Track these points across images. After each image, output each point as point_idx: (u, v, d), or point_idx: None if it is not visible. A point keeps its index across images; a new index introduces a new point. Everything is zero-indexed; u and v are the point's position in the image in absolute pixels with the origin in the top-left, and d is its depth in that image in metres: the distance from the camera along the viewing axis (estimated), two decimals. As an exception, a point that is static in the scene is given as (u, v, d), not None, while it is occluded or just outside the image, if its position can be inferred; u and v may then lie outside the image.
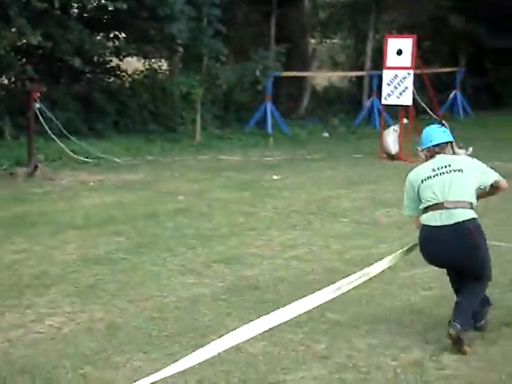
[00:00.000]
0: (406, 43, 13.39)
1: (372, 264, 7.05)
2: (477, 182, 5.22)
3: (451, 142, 5.50)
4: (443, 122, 14.58)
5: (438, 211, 5.09)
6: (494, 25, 22.29)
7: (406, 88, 13.32)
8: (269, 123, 16.94)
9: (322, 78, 22.69)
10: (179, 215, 9.08)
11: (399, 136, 13.62)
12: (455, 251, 5.11)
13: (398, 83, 13.36)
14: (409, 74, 13.28)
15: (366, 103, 19.07)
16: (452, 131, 14.53)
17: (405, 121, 13.85)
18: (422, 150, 5.48)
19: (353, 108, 19.89)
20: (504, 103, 23.00)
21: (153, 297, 6.13)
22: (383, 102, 13.94)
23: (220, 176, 11.92)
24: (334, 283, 6.47)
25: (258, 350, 5.14)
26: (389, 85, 13.49)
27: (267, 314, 5.73)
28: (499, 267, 6.40)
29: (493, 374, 4.79)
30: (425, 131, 5.53)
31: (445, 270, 6.91)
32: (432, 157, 5.34)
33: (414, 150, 13.92)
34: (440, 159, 5.28)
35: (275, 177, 11.83)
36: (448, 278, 5.68)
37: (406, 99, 13.39)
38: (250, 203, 9.81)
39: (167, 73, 18.50)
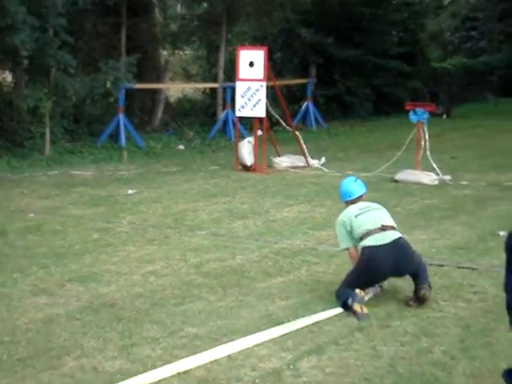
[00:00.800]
0: (258, 55, 13.58)
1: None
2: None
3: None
4: (296, 132, 14.94)
5: (377, 234, 6.29)
6: (340, 37, 23.13)
7: (260, 100, 13.50)
8: (122, 136, 16.67)
9: (175, 89, 22.63)
10: (30, 233, 8.73)
11: (254, 147, 13.78)
12: (399, 260, 6.26)
13: (251, 95, 13.52)
14: (261, 85, 13.46)
15: (221, 115, 19.19)
16: (305, 141, 14.90)
17: (259, 132, 14.02)
18: (346, 202, 6.79)
19: (207, 120, 19.96)
20: (353, 113, 23.84)
21: (3, 319, 5.85)
22: (237, 113, 14.04)
23: (72, 192, 11.58)
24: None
25: (114, 368, 5.01)
26: (242, 97, 13.62)
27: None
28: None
29: (347, 379, 4.91)
30: (343, 186, 6.87)
31: (301, 279, 7.09)
32: (353, 203, 6.67)
33: (268, 161, 14.16)
34: (361, 204, 6.62)
35: (130, 191, 11.64)
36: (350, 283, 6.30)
37: (260, 111, 13.57)
38: (104, 219, 9.60)
39: (12, 85, 17.79)
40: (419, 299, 6.23)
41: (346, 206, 6.75)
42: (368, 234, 6.31)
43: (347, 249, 6.58)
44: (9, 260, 7.56)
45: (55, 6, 14.59)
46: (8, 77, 17.61)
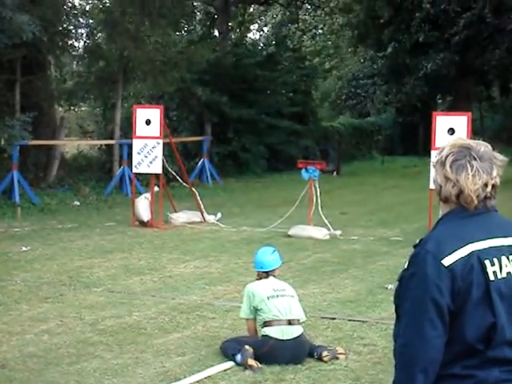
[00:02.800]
0: (154, 113, 13.75)
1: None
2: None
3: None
4: (193, 189, 15.09)
5: (283, 327, 6.36)
6: (235, 96, 23.64)
7: (156, 157, 13.61)
8: (16, 193, 16.38)
9: (71, 145, 22.47)
10: None
11: (151, 203, 13.83)
12: (296, 356, 6.37)
13: (147, 152, 13.62)
14: (158, 143, 13.60)
15: (117, 171, 19.16)
16: (201, 197, 15.02)
17: (156, 188, 14.09)
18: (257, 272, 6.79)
19: (104, 176, 19.87)
20: (248, 170, 24.25)
21: None
22: (134, 170, 14.10)
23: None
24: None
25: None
26: (139, 153, 13.70)
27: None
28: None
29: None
30: (258, 256, 6.82)
31: (198, 335, 7.16)
32: (265, 277, 6.68)
33: (165, 217, 14.20)
34: (275, 284, 6.64)
35: (24, 248, 11.44)
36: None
37: (157, 167, 13.68)
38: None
39: None
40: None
41: (257, 276, 6.77)
42: (274, 322, 6.37)
43: (246, 319, 6.64)
44: None
45: None
46: None
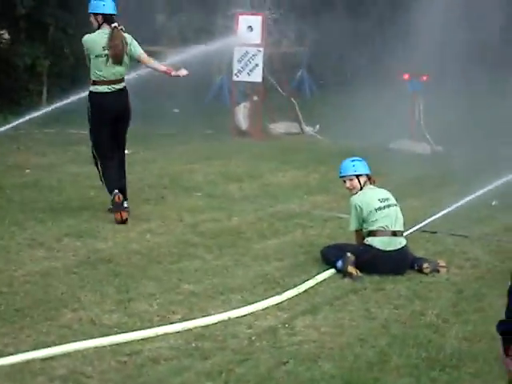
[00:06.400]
0: (257, 20, 13.53)
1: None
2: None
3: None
4: (292, 99, 14.93)
5: (386, 238, 6.34)
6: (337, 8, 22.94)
7: (257, 65, 13.48)
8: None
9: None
10: (27, 189, 8.76)
11: (250, 112, 13.78)
12: (398, 267, 6.33)
13: (248, 60, 13.49)
14: (259, 50, 13.43)
15: (217, 79, 19.12)
16: (300, 108, 14.78)
17: (255, 98, 14.02)
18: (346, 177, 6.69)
19: (203, 84, 19.89)
20: (347, 81, 23.76)
21: (1, 271, 5.91)
22: (234, 78, 14.03)
23: (69, 150, 11.57)
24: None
25: (112, 321, 5.09)
26: (239, 61, 13.60)
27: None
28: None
29: (341, 338, 5.00)
30: (342, 162, 6.74)
31: (296, 241, 7.16)
32: (362, 185, 6.61)
33: (264, 127, 14.15)
34: (380, 193, 6.60)
35: (127, 151, 11.62)
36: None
37: (257, 76, 13.55)
38: (96, 178, 9.60)
39: (9, 43, 17.67)
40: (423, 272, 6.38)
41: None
42: (379, 233, 6.35)
43: (355, 231, 6.57)
44: (6, 214, 7.59)
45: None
46: (5, 34, 17.48)
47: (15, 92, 15.42)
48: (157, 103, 17.66)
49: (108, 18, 7.60)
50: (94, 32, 7.68)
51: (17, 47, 15.92)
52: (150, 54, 8.70)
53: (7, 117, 14.34)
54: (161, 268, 6.24)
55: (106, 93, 7.63)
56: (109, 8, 7.60)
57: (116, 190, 7.54)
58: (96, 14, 7.61)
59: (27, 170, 9.87)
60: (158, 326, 5.04)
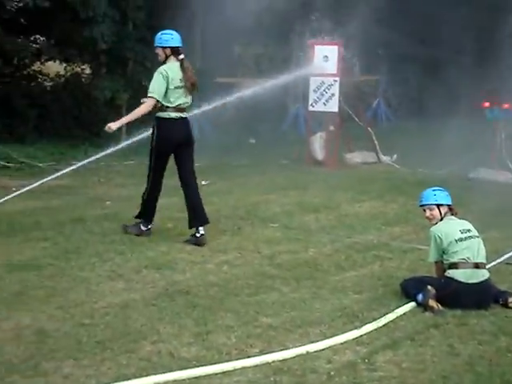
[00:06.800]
0: (332, 50, 13.55)
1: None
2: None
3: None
4: (369, 129, 14.83)
5: (469, 270, 6.17)
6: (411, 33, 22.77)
7: (333, 95, 13.48)
8: (195, 129, 16.83)
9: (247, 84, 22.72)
10: (107, 220, 8.91)
11: (326, 142, 13.76)
12: (481, 301, 6.15)
13: (324, 90, 13.50)
14: (335, 80, 13.44)
15: (292, 109, 19.20)
16: (376, 138, 14.67)
17: (331, 128, 14.00)
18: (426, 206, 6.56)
19: (278, 114, 19.97)
20: (424, 110, 23.49)
21: (82, 303, 5.99)
22: (310, 108, 14.06)
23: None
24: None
25: (190, 354, 5.08)
26: (315, 91, 13.62)
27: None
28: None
29: (424, 375, 4.86)
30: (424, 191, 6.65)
31: (374, 274, 7.05)
32: (442, 215, 6.48)
33: (340, 157, 14.10)
34: (459, 222, 6.46)
35: (203, 182, 11.74)
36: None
37: (333, 106, 13.55)
38: (178, 208, 9.68)
39: (90, 77, 18.19)
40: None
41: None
42: (460, 265, 6.19)
43: (435, 263, 6.42)
44: (87, 245, 7.73)
45: (135, 0, 14.84)
46: (86, 69, 18.00)
47: (95, 125, 15.80)
48: (233, 134, 17.84)
49: (175, 51, 7.93)
50: (164, 64, 7.99)
51: (97, 81, 16.38)
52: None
53: (88, 149, 14.72)
54: (238, 300, 6.22)
55: (176, 119, 7.96)
56: (177, 41, 7.94)
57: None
58: (164, 48, 7.94)
59: (107, 202, 10.06)
60: (236, 359, 5.00)
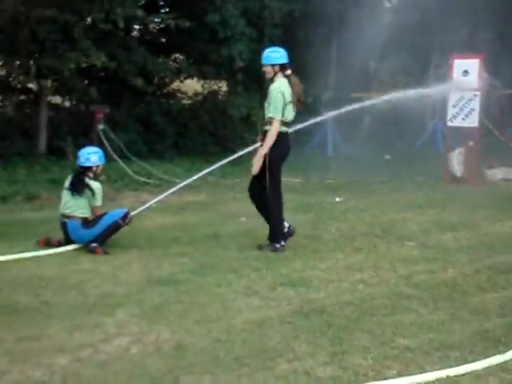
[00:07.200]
0: (473, 64, 13.18)
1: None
2: None
3: None
4: (510, 143, 14.31)
5: None
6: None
7: (473, 109, 13.10)
8: (329, 145, 16.84)
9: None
10: (242, 236, 9.02)
11: (465, 158, 13.37)
12: None
13: (464, 105, 13.15)
14: (475, 95, 13.05)
15: (429, 125, 18.83)
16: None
17: (470, 143, 13.60)
18: None
19: (415, 129, 19.63)
20: None
21: (219, 318, 6.06)
22: (448, 123, 13.72)
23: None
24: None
25: (326, 374, 5.02)
26: (454, 106, 13.28)
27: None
28: None
29: None
30: None
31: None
32: None
33: (480, 173, 13.65)
34: None
35: (337, 199, 11.70)
36: None
37: (472, 121, 13.16)
38: (312, 225, 9.70)
39: (227, 94, 18.56)
40: None
41: None
42: None
43: None
44: (222, 262, 7.84)
45: (272, 18, 15.05)
46: (223, 86, 18.38)
47: (230, 141, 16.10)
48: (368, 150, 17.68)
49: (283, 67, 8.17)
50: (272, 81, 8.26)
51: (233, 98, 16.69)
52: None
53: (223, 166, 14.97)
54: (374, 320, 6.10)
55: (287, 133, 8.27)
56: (284, 57, 8.22)
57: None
58: (274, 65, 8.19)
59: (242, 218, 10.18)
60: (374, 380, 4.91)
